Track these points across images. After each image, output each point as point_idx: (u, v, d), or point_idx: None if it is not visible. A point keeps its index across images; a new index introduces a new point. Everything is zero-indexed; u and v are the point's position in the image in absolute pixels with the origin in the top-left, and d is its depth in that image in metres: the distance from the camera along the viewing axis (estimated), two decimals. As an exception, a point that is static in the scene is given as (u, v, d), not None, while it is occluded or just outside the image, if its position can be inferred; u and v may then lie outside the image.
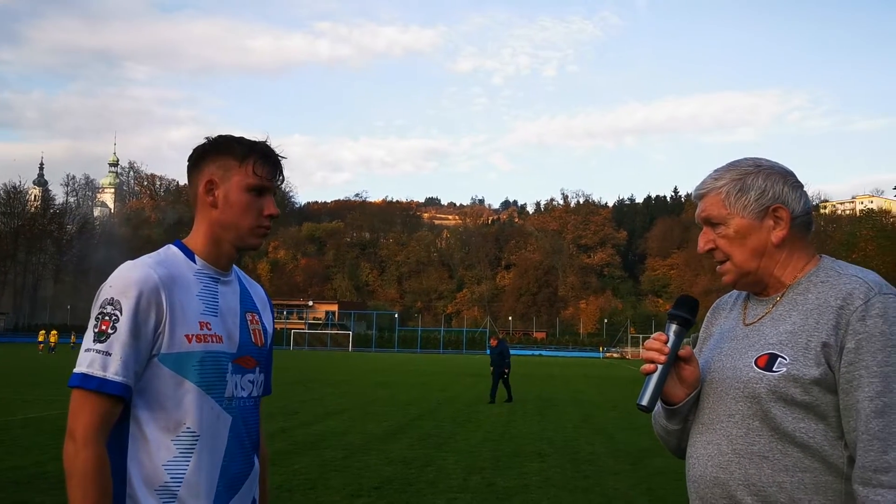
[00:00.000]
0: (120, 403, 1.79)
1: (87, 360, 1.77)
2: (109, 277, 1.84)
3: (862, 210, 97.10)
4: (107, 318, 1.79)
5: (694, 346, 1.98)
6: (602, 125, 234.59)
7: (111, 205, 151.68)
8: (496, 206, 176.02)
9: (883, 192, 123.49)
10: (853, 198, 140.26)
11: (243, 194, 1.94)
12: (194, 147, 2.00)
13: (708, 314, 2.03)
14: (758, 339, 1.76)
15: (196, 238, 1.98)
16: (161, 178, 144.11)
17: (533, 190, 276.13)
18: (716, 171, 1.87)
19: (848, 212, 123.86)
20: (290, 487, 7.82)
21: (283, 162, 2.01)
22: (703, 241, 1.85)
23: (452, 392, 22.65)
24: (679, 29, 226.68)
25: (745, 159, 1.85)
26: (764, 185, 1.78)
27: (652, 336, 1.82)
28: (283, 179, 2.02)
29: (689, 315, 1.83)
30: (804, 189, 1.83)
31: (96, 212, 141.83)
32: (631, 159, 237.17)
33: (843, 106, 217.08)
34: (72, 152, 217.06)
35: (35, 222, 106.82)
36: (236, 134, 2.03)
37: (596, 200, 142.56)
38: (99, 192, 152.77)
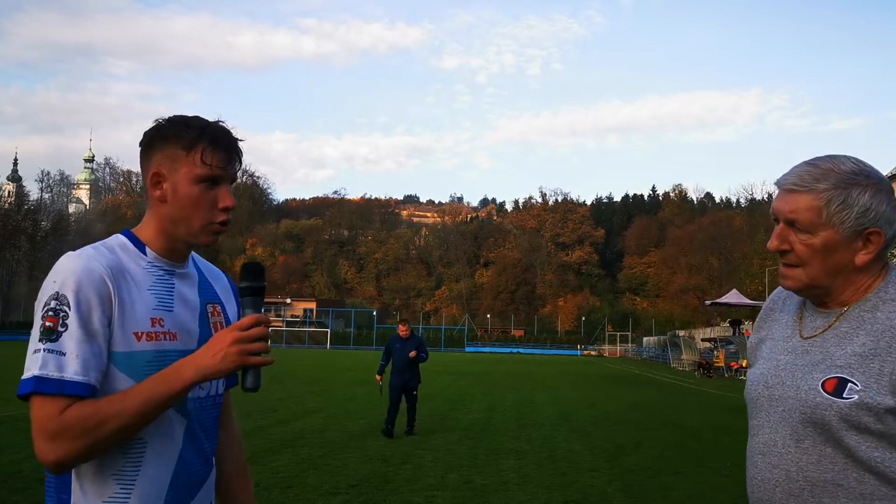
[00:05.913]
0: None
1: (39, 362, 1.57)
2: (52, 271, 1.66)
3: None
4: (54, 314, 1.60)
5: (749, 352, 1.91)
6: (585, 123, 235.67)
7: (86, 201, 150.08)
8: (475, 203, 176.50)
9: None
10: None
11: (192, 186, 1.73)
12: (144, 131, 1.79)
13: (761, 314, 1.92)
14: (822, 359, 1.64)
15: (147, 230, 1.80)
16: (138, 175, 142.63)
17: (513, 188, 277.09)
18: (813, 166, 1.68)
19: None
20: (268, 486, 7.81)
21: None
22: (779, 240, 1.69)
23: (431, 390, 22.64)
24: (663, 28, 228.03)
25: (847, 160, 1.66)
26: (870, 203, 1.61)
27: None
28: (241, 165, 1.81)
29: (255, 282, 1.75)
30: None
31: (71, 208, 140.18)
32: (610, 158, 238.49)
33: (820, 106, 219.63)
34: (47, 147, 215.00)
35: (8, 219, 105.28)
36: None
37: (574, 199, 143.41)
38: (74, 189, 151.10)
